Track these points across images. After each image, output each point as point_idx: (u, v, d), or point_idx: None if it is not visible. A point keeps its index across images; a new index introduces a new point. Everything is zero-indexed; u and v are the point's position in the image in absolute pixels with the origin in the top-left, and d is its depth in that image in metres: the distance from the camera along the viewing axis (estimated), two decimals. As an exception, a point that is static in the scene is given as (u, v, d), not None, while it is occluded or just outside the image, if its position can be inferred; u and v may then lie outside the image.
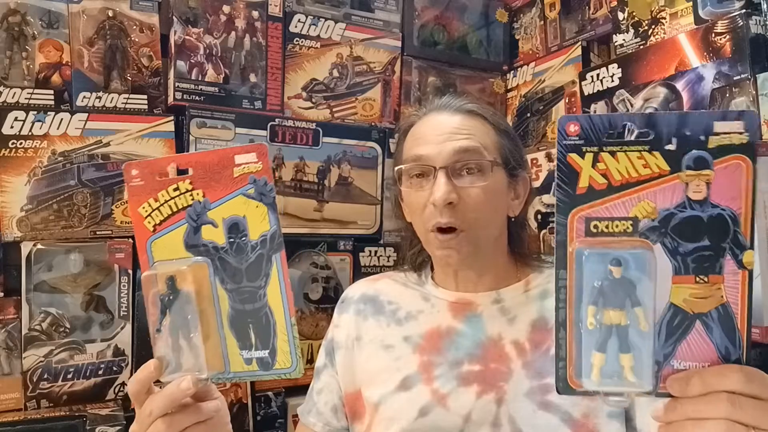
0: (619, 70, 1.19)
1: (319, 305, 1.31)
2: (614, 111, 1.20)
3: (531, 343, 0.80)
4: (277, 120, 1.28)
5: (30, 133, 1.08)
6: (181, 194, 0.60)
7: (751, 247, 0.49)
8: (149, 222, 0.61)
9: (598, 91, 1.24)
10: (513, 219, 0.87)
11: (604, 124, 0.51)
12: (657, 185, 0.51)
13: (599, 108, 1.24)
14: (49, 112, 1.09)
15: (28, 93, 1.10)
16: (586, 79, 1.27)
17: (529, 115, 1.49)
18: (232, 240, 0.60)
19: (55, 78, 1.13)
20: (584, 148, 0.52)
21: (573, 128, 0.52)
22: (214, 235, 0.60)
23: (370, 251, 1.38)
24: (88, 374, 1.10)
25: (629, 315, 0.50)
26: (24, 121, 1.07)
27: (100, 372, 1.11)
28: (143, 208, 0.61)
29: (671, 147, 0.50)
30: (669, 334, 0.51)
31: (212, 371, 0.59)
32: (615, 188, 0.52)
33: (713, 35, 1.01)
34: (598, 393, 0.52)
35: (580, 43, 1.36)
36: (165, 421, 0.58)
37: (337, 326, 0.94)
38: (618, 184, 0.51)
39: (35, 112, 1.08)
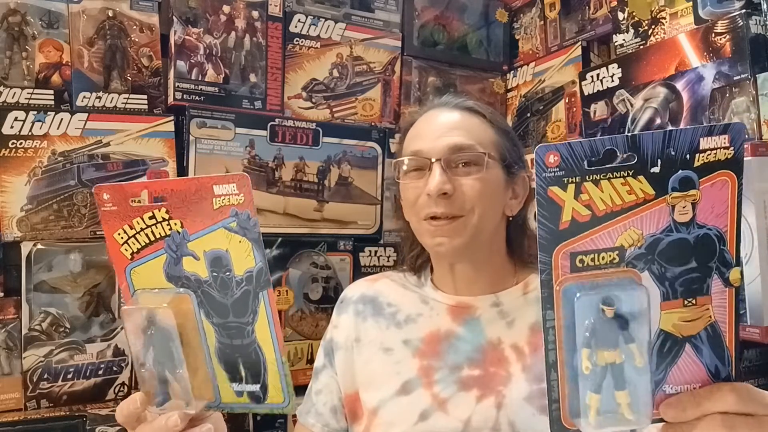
0: (619, 70, 1.19)
1: (319, 305, 1.31)
2: (614, 111, 1.20)
3: (530, 346, 0.80)
4: (277, 120, 1.28)
5: (30, 133, 1.08)
6: (157, 223, 0.57)
7: (737, 264, 0.49)
8: (126, 249, 0.58)
9: (598, 91, 1.24)
10: (511, 219, 0.87)
11: (585, 151, 0.48)
12: (642, 211, 0.49)
13: (599, 108, 1.24)
14: (49, 112, 1.09)
15: (28, 93, 1.10)
16: (586, 79, 1.27)
17: (529, 115, 1.49)
18: (215, 274, 0.57)
19: (55, 78, 1.13)
20: (566, 179, 0.48)
21: (553, 159, 0.48)
22: (196, 267, 0.57)
23: (370, 251, 1.38)
24: (88, 374, 1.10)
25: (624, 352, 0.49)
26: (24, 121, 1.07)
27: (100, 372, 1.11)
28: (118, 234, 0.58)
29: (656, 170, 0.48)
30: (660, 361, 0.50)
31: (202, 401, 0.58)
32: (599, 219, 0.49)
33: (713, 35, 1.01)
34: None
35: (580, 43, 1.35)
36: None
37: (336, 327, 0.94)
38: (602, 214, 0.49)
39: (35, 112, 1.08)
